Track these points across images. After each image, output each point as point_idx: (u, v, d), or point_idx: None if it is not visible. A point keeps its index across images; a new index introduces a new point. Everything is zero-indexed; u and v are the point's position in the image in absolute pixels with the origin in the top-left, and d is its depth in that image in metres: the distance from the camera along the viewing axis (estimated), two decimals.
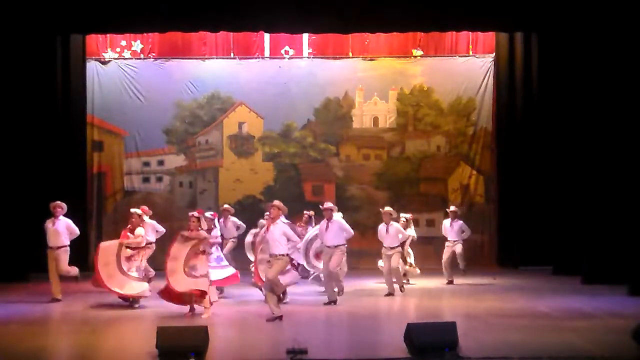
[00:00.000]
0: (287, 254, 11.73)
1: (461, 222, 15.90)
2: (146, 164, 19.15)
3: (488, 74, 19.04)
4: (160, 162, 19.19)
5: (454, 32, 18.73)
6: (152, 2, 16.29)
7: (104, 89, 18.87)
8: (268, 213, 12.43)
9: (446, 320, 10.36)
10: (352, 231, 13.44)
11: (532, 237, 17.73)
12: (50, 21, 16.54)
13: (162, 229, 14.89)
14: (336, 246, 13.18)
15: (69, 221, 13.89)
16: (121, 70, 18.93)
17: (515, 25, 17.71)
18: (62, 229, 13.72)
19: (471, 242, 17.59)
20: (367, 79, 19.18)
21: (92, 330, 11.15)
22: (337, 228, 13.26)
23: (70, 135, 18.11)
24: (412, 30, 18.41)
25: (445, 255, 15.80)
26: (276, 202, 11.93)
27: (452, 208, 16.23)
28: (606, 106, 15.21)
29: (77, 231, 14.05)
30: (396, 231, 14.20)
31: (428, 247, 18.08)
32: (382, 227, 14.29)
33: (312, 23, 17.08)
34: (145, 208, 14.50)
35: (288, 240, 11.64)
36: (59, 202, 13.88)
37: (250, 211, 18.48)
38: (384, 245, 14.25)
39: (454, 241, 15.75)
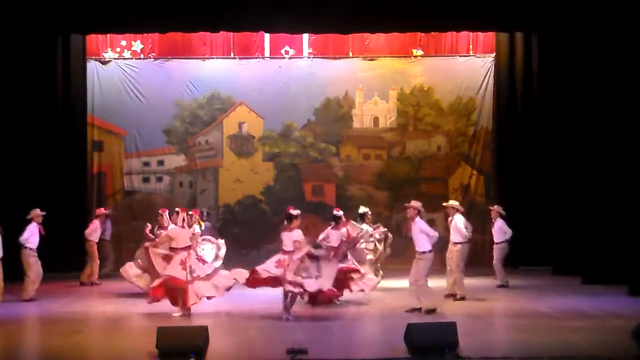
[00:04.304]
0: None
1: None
2: (146, 164, 19.13)
3: (488, 74, 19.02)
4: (160, 162, 19.18)
5: (454, 32, 18.72)
6: (152, 2, 16.30)
7: (104, 89, 18.85)
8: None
9: (446, 320, 10.35)
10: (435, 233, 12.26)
11: (532, 237, 17.69)
12: (50, 21, 16.55)
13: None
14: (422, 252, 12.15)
15: None
16: (121, 70, 18.91)
17: (515, 25, 17.72)
18: None
19: (471, 242, 17.51)
20: (367, 79, 19.16)
21: (92, 330, 11.16)
22: (417, 231, 12.09)
23: (70, 135, 18.08)
24: (412, 30, 18.39)
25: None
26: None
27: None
28: (606, 106, 15.21)
29: None
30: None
31: None
32: None
33: (312, 23, 17.08)
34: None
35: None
36: None
37: (250, 211, 18.51)
38: None
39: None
